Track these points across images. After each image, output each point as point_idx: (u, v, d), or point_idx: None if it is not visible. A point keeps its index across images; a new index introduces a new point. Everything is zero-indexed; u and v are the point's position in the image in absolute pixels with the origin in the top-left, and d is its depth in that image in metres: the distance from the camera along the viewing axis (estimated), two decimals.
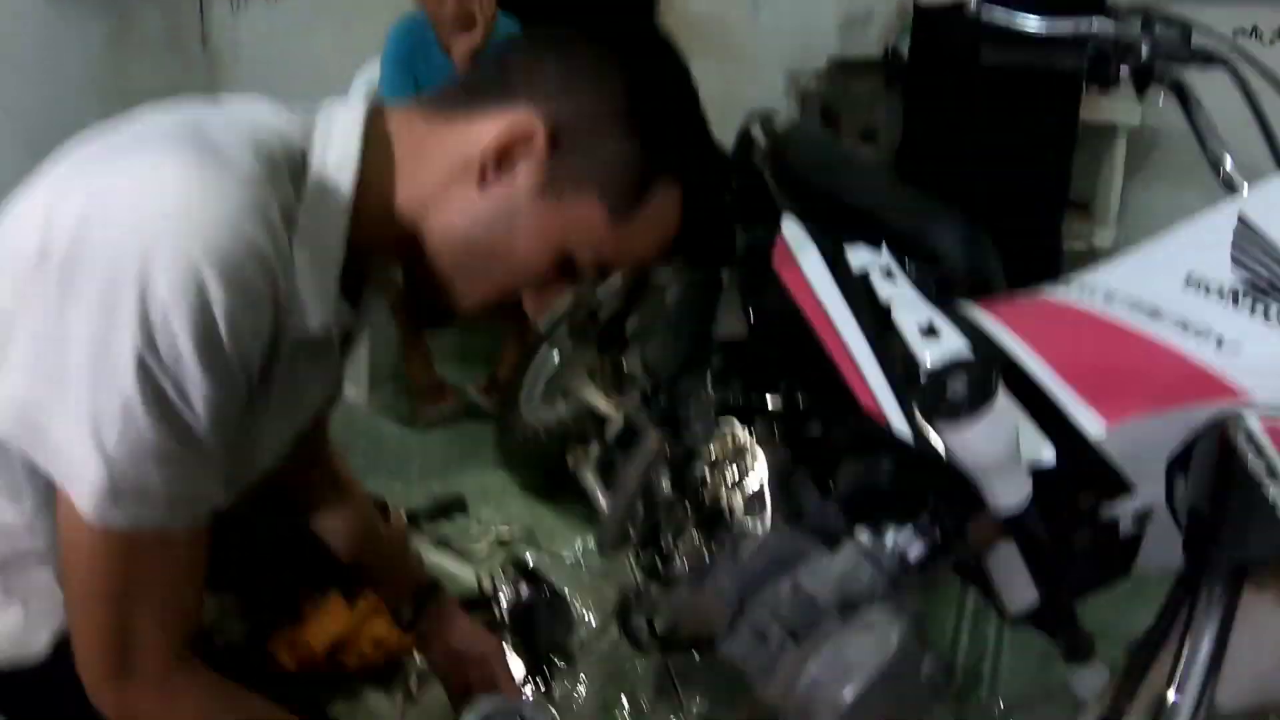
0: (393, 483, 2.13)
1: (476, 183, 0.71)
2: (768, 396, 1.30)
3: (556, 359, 2.24)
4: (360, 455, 2.30)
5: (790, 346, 1.24)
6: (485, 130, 0.69)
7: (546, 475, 2.04)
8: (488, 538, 1.88)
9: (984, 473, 0.83)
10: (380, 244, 0.75)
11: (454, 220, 0.72)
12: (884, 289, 1.15)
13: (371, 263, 0.80)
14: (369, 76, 2.74)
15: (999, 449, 0.80)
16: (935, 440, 0.91)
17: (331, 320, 0.70)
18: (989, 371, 0.75)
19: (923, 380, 0.89)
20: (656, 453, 1.31)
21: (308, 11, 5.36)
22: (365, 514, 1.15)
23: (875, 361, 1.07)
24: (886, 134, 3.06)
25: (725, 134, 2.17)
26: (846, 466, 1.14)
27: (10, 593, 0.93)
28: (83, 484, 0.60)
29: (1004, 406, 0.78)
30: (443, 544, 1.86)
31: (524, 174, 0.70)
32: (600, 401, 1.70)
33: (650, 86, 0.75)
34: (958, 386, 0.76)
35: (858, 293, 1.16)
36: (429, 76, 2.43)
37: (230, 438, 0.65)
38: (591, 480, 1.48)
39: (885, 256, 1.20)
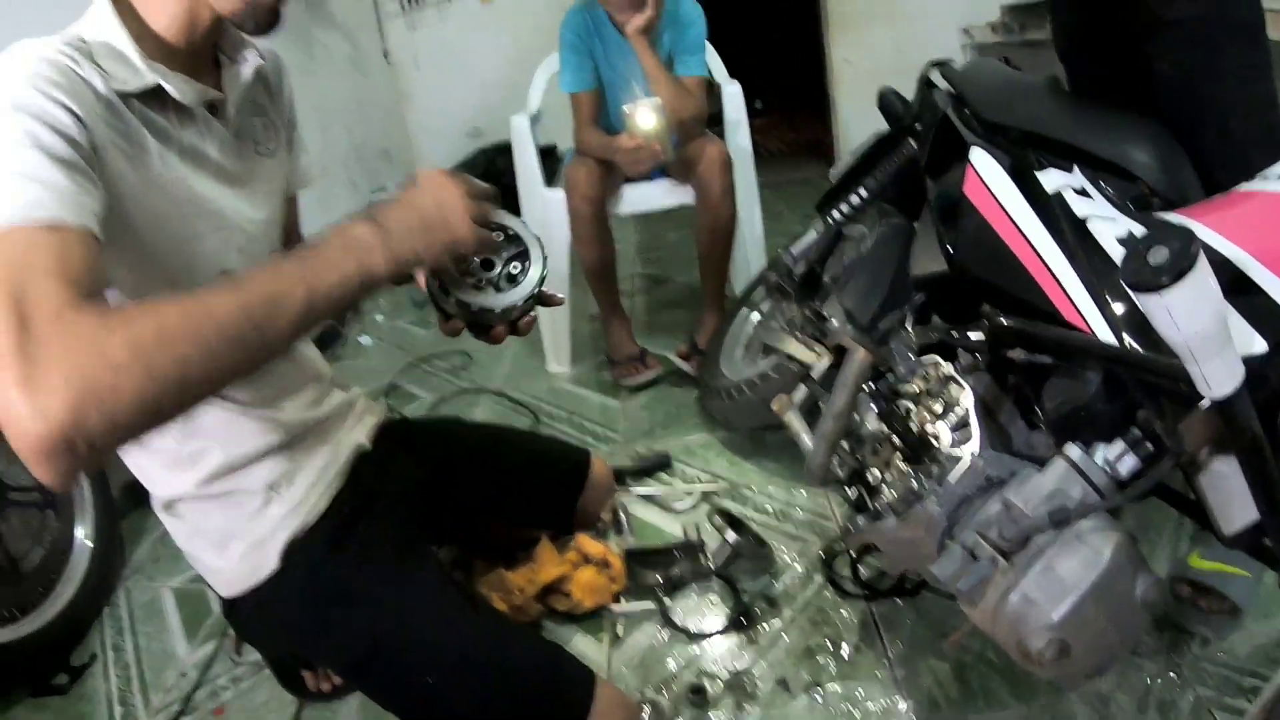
0: (599, 446, 2.29)
1: None
2: (968, 328, 1.34)
3: (755, 319, 2.33)
4: (565, 423, 2.48)
5: (990, 274, 1.27)
6: None
7: (750, 432, 2.13)
8: (692, 492, 1.97)
9: (1192, 354, 0.83)
10: (169, 23, 1.01)
11: None
12: (1080, 206, 1.18)
13: (194, 54, 1.05)
14: (550, 66, 2.92)
15: (1205, 321, 0.80)
16: (1142, 332, 0.93)
17: (151, 80, 0.97)
18: (1188, 238, 0.78)
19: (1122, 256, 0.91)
20: (864, 366, 1.36)
21: (477, 22, 5.76)
22: None
23: (1076, 275, 1.11)
24: None
25: (908, 95, 2.21)
26: (1052, 385, 1.17)
27: (234, 524, 1.15)
28: None
29: (1207, 277, 0.79)
30: (649, 500, 1.97)
31: None
32: (803, 351, 1.76)
33: None
34: (1158, 255, 0.78)
35: (1053, 212, 1.19)
36: (605, 58, 2.60)
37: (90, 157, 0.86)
38: (796, 422, 1.53)
39: (1078, 176, 1.23)
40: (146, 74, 0.98)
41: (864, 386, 1.40)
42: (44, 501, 2.05)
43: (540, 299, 1.05)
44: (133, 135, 0.97)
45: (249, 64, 1.14)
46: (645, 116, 2.26)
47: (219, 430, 1.12)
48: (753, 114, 2.85)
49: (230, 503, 1.16)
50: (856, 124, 5.64)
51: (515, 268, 1.03)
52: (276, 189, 1.24)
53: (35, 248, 0.74)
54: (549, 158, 2.95)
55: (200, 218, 1.06)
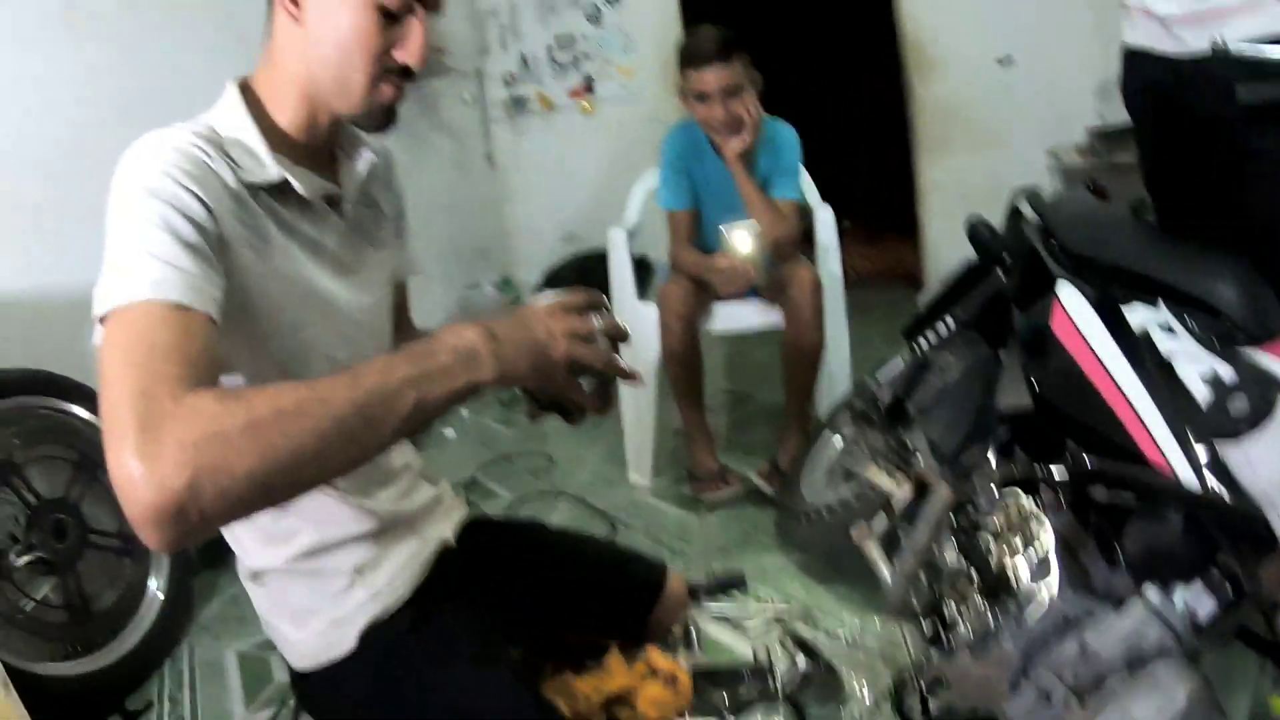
0: (674, 560, 2.30)
1: (293, 23, 1.04)
2: (1052, 464, 1.35)
3: (839, 444, 2.35)
4: (641, 534, 2.51)
5: (1074, 410, 1.29)
6: None
7: (827, 556, 2.13)
8: (765, 613, 1.97)
9: (1272, 500, 0.84)
10: (293, 120, 1.09)
11: (301, 52, 1.05)
12: (1165, 344, 1.20)
13: (315, 148, 1.13)
14: (648, 182, 3.06)
15: None
16: (1223, 476, 0.94)
17: (278, 174, 1.04)
18: (1270, 386, 0.80)
19: (1203, 403, 0.93)
20: (947, 505, 1.37)
21: (578, 131, 6.01)
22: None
23: (1159, 415, 1.13)
24: None
25: (997, 219, 2.25)
26: (1134, 525, 1.17)
27: (317, 602, 1.20)
28: (99, 291, 0.85)
29: None
30: (721, 618, 1.98)
31: None
32: (884, 480, 1.77)
33: None
34: (1238, 403, 0.80)
35: (1139, 350, 1.21)
36: (703, 179, 2.72)
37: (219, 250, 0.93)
38: (875, 552, 1.55)
39: (1163, 312, 1.25)
40: (273, 169, 1.05)
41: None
42: (123, 548, 2.16)
43: (622, 375, 1.08)
44: (258, 227, 1.04)
45: (364, 159, 1.22)
46: (741, 239, 2.36)
47: (314, 512, 1.18)
48: (840, 233, 2.92)
49: (316, 581, 1.21)
50: (945, 247, 5.67)
51: None
52: (385, 278, 1.31)
53: (161, 326, 0.81)
54: (641, 268, 3.05)
55: (313, 307, 1.12)
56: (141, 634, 2.08)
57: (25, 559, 1.97)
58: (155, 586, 2.17)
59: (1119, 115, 4.67)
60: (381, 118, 1.10)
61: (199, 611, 2.30)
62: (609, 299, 2.86)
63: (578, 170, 6.10)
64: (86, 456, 2.15)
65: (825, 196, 2.95)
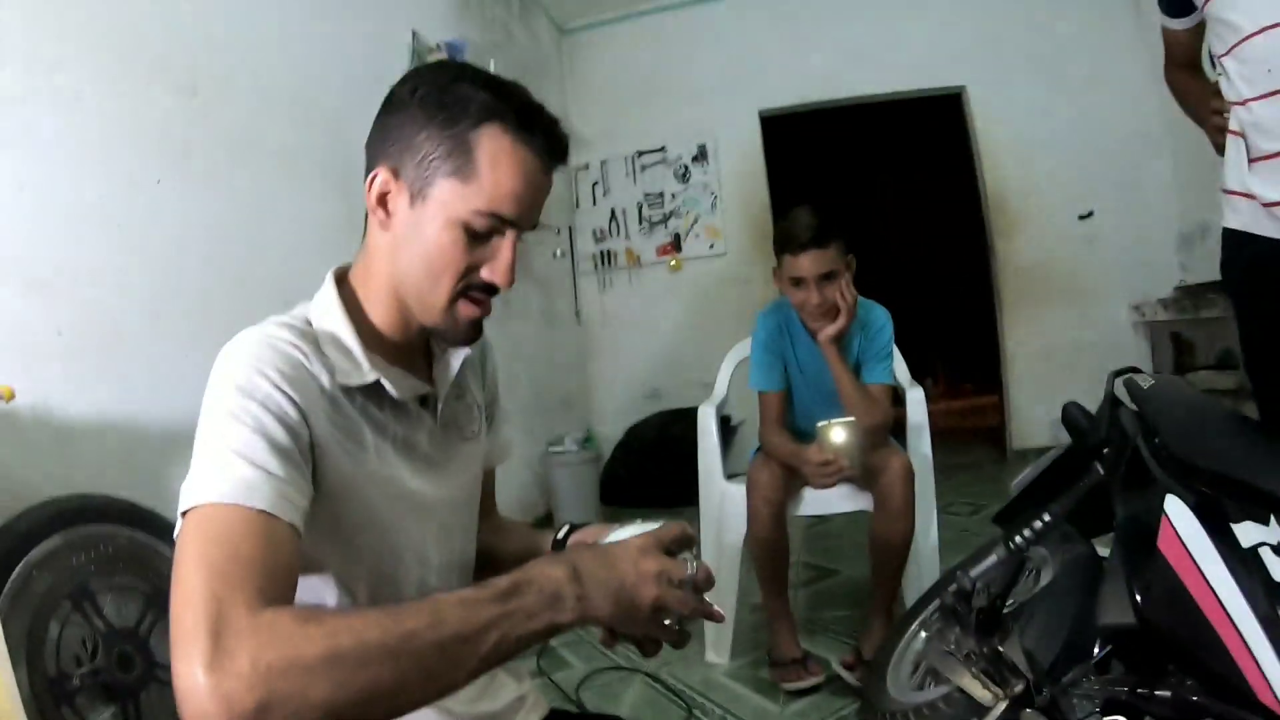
0: None
1: (383, 230, 1.08)
2: (1156, 691, 1.29)
3: (924, 638, 2.27)
4: (717, 719, 2.43)
5: (1180, 634, 1.24)
6: (369, 201, 1.08)
7: None
8: None
9: None
10: (386, 319, 1.13)
11: (390, 258, 1.09)
12: (1277, 568, 1.15)
13: (408, 347, 1.16)
14: (738, 355, 3.10)
15: None
16: None
17: (373, 377, 1.08)
18: None
19: None
20: None
21: (664, 287, 6.17)
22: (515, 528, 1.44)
23: (1272, 650, 1.07)
24: None
25: (1080, 379, 2.22)
26: None
27: None
28: (186, 486, 0.88)
29: None
30: None
31: (398, 202, 1.06)
32: (976, 688, 1.70)
33: (406, 91, 1.06)
34: None
35: (1249, 573, 1.17)
36: (795, 360, 2.76)
37: (309, 455, 0.97)
38: None
39: (1275, 530, 1.21)
40: (368, 371, 1.08)
41: None
42: None
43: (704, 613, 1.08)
44: (352, 429, 1.06)
45: (458, 355, 1.24)
46: (838, 434, 2.40)
47: None
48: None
49: None
50: (1028, 407, 5.62)
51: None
52: (476, 473, 1.32)
53: (244, 532, 0.83)
54: (722, 428, 3.05)
55: (406, 508, 1.14)
56: None
57: (88, 685, 1.99)
58: None
59: (1201, 269, 4.73)
60: (462, 334, 1.13)
61: None
62: (696, 465, 2.89)
63: (662, 327, 6.23)
64: (160, 590, 2.18)
65: (906, 354, 2.96)
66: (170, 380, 2.49)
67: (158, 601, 2.18)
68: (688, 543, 1.04)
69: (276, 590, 0.81)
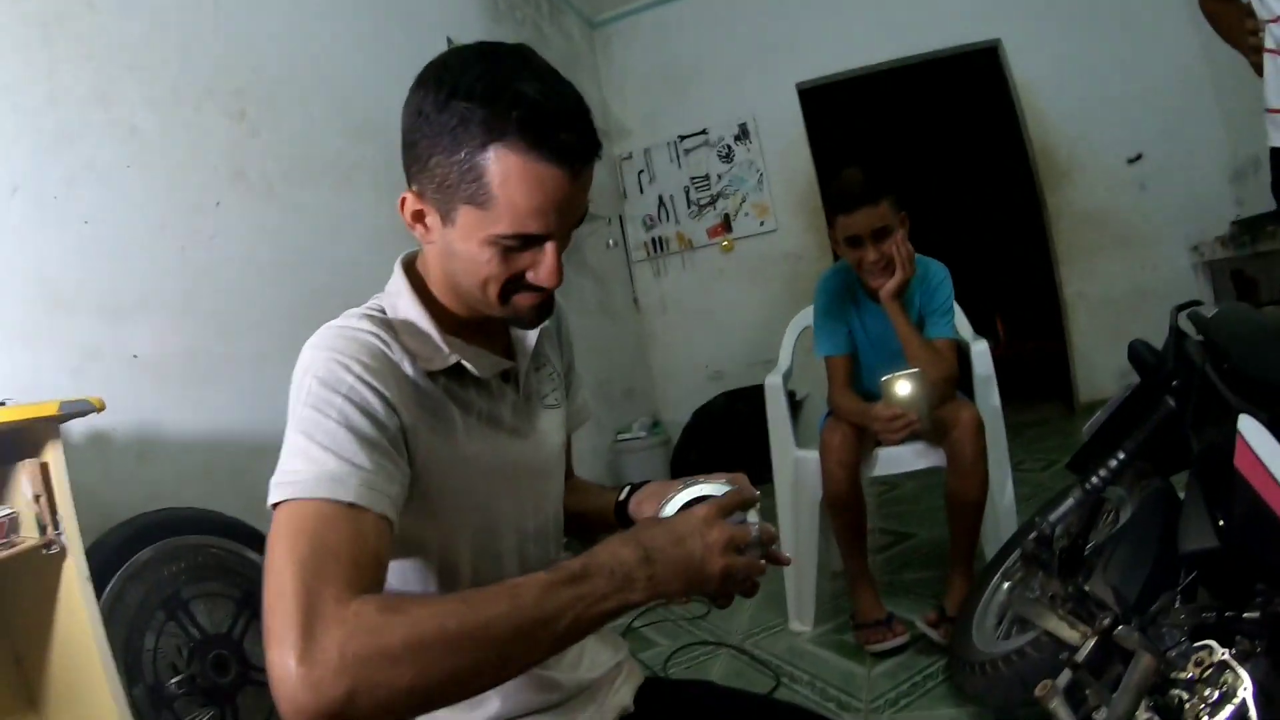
0: (841, 715, 2.25)
1: (425, 243, 1.11)
2: (1244, 610, 1.29)
3: (1007, 588, 2.27)
4: (807, 687, 2.46)
5: (1265, 551, 1.24)
6: (405, 219, 1.09)
7: (1003, 710, 2.04)
8: None
9: None
10: (456, 305, 1.14)
11: (438, 264, 1.12)
12: None
13: (484, 325, 1.18)
14: (799, 324, 3.11)
15: None
16: None
17: (452, 359, 1.09)
18: None
19: None
20: (1150, 674, 1.32)
21: (717, 268, 6.18)
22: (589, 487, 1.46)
23: None
24: None
25: (1144, 325, 2.19)
26: None
27: None
28: (275, 481, 0.92)
29: None
30: None
31: (431, 220, 1.06)
32: (1065, 630, 1.71)
33: (412, 109, 1.02)
34: None
35: None
36: (859, 323, 2.77)
37: (403, 445, 1.01)
38: (1062, 710, 1.48)
39: None
40: (448, 355, 1.10)
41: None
42: None
43: (771, 558, 1.08)
44: (439, 412, 1.09)
45: (535, 328, 1.25)
46: (903, 386, 2.38)
47: (497, 690, 1.21)
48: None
49: None
50: (1093, 357, 5.53)
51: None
52: (560, 439, 1.34)
53: (332, 525, 0.87)
54: (789, 403, 3.06)
55: (498, 481, 1.16)
56: None
57: (185, 690, 2.08)
58: None
59: (1257, 202, 4.62)
60: (529, 318, 1.13)
61: None
62: (767, 439, 2.90)
63: (719, 308, 6.24)
64: (250, 595, 2.27)
65: (967, 310, 2.94)
66: (245, 394, 2.59)
67: (248, 605, 2.27)
68: (751, 503, 1.05)
69: (365, 581, 0.84)
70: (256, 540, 2.27)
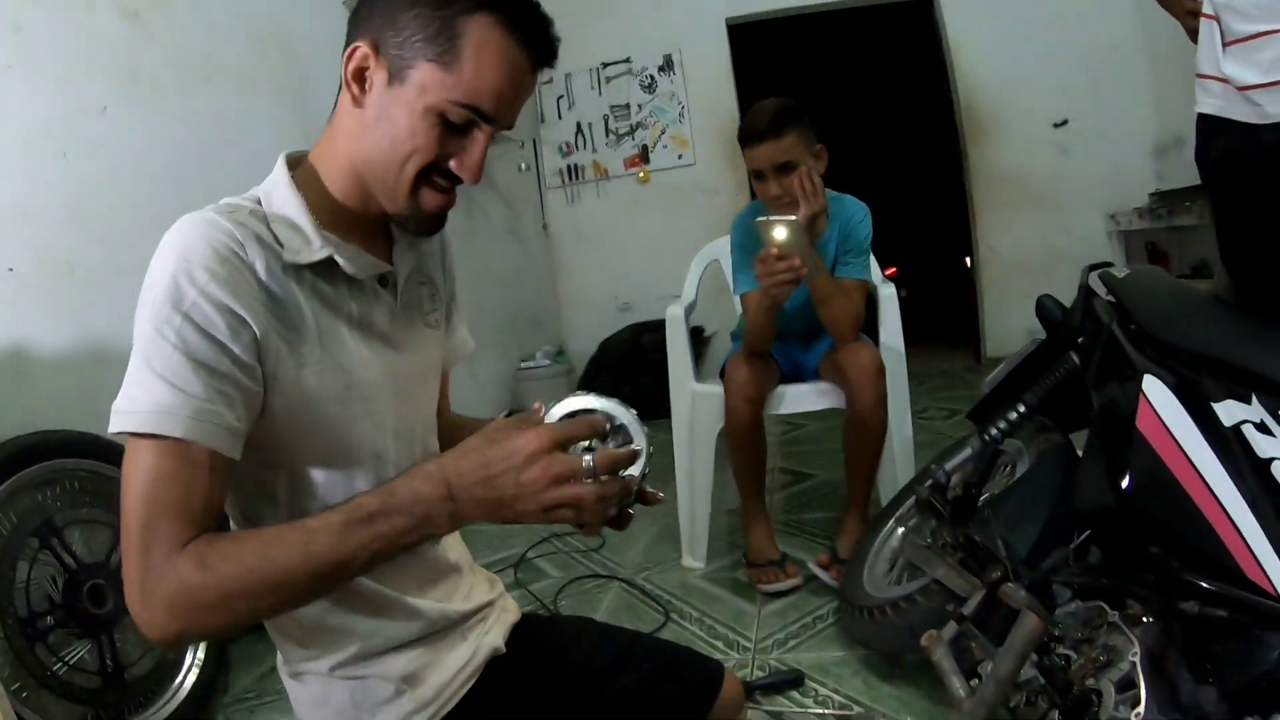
0: (728, 652, 2.22)
1: (355, 106, 1.02)
2: (1137, 572, 1.27)
3: (900, 534, 2.27)
4: (696, 624, 2.44)
5: (1162, 515, 1.21)
6: (345, 74, 1.01)
7: (890, 654, 2.04)
8: (824, 716, 1.88)
9: None
10: (347, 197, 1.07)
11: (357, 137, 1.03)
12: (1261, 444, 1.12)
13: (368, 226, 1.11)
14: (706, 257, 3.04)
15: None
16: None
17: (324, 253, 1.02)
18: None
19: None
20: (1036, 635, 1.30)
21: (633, 200, 6.07)
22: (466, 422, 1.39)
23: (1259, 527, 1.05)
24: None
25: (1056, 287, 2.18)
26: (1229, 645, 1.09)
27: (359, 709, 1.15)
28: (117, 404, 0.93)
29: None
30: (777, 718, 1.89)
31: (375, 79, 1.00)
32: (953, 578, 1.69)
33: None
34: None
35: (1232, 451, 1.14)
36: None
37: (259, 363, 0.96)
38: (946, 663, 1.46)
39: (1258, 408, 1.18)
40: (319, 249, 1.03)
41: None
42: None
43: (640, 497, 1.01)
44: (300, 314, 1.01)
45: (425, 237, 1.18)
46: (780, 231, 2.21)
47: (361, 611, 1.14)
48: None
49: (361, 687, 1.17)
50: (1002, 312, 5.63)
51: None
52: (437, 365, 1.28)
53: (167, 473, 0.90)
54: (695, 339, 3.00)
55: (358, 400, 1.08)
56: (175, 704, 2.06)
57: (61, 622, 1.98)
58: (191, 656, 2.15)
59: (1177, 177, 4.70)
60: (425, 224, 1.07)
61: (234, 682, 2.29)
62: (666, 371, 2.84)
63: (632, 239, 6.15)
64: None
65: (882, 262, 2.91)
66: (129, 310, 2.38)
67: None
68: (598, 434, 0.96)
69: (194, 527, 0.90)
70: None
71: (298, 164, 1.10)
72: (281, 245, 1.01)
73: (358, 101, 1.02)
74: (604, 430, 0.96)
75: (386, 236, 1.17)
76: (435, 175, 1.03)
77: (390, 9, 0.99)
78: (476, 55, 0.97)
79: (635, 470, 0.97)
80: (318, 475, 1.06)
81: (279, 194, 1.06)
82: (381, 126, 1.01)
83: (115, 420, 0.92)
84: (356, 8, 1.03)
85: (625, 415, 1.00)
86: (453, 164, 1.03)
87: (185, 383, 0.90)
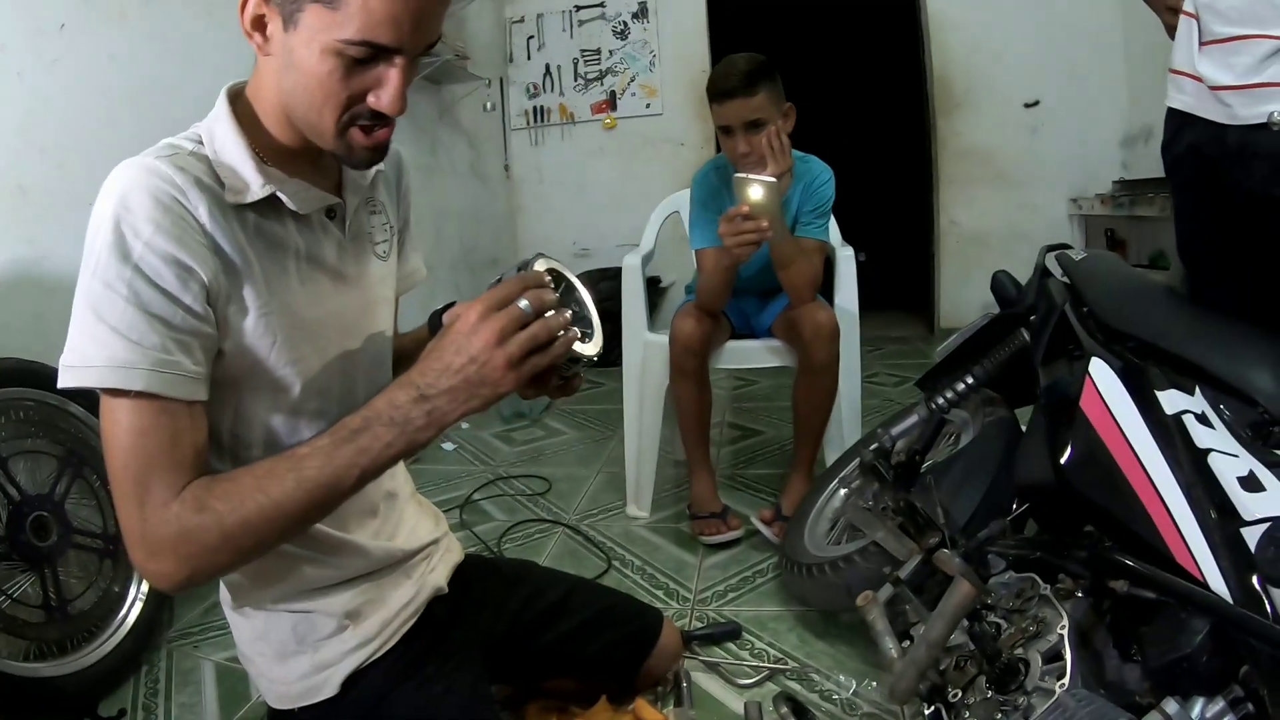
0: (668, 602, 2.25)
1: (262, 56, 1.00)
2: (1071, 547, 1.30)
3: (843, 494, 2.30)
4: (638, 572, 2.46)
5: (1098, 494, 1.24)
6: (243, 24, 0.98)
7: (827, 611, 2.08)
8: (759, 670, 1.92)
9: None
10: (284, 134, 1.05)
11: (274, 82, 1.01)
12: (1200, 435, 1.15)
13: (313, 159, 1.09)
14: (667, 208, 3.02)
15: None
16: (1259, 587, 0.91)
17: (266, 191, 1.01)
18: None
19: (1253, 542, 0.90)
20: (968, 602, 1.33)
21: (597, 145, 6.02)
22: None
23: (1191, 514, 1.08)
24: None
25: (1014, 263, 2.20)
26: (1155, 626, 1.12)
27: (302, 642, 1.16)
28: (71, 352, 0.93)
29: None
30: (713, 668, 1.93)
31: (273, 26, 0.96)
32: (891, 541, 1.72)
33: None
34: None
35: (1172, 439, 1.17)
36: None
37: (219, 308, 0.97)
38: (880, 624, 1.50)
39: (1200, 400, 1.21)
40: (259, 187, 1.01)
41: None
42: (105, 549, 2.12)
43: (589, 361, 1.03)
44: (238, 265, 0.99)
45: (368, 169, 1.16)
46: (756, 190, 2.20)
47: (302, 556, 1.14)
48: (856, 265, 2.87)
49: (303, 621, 1.17)
50: (958, 286, 5.68)
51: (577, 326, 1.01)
52: (389, 294, 1.27)
53: (146, 433, 0.91)
54: (651, 289, 2.99)
55: (305, 339, 1.08)
56: (119, 638, 2.04)
57: (3, 554, 1.94)
58: (135, 589, 2.14)
59: (1142, 167, 4.75)
60: (361, 159, 1.03)
61: (179, 616, 2.28)
62: (620, 319, 2.84)
63: (594, 185, 6.11)
64: (74, 453, 2.10)
65: (842, 225, 2.91)
66: (81, 236, 2.32)
67: (72, 465, 2.10)
68: (531, 286, 0.95)
69: (184, 474, 0.93)
70: (82, 395, 2.07)
71: (238, 96, 1.07)
72: (224, 187, 0.99)
73: (262, 49, 0.99)
74: (542, 282, 0.97)
75: (336, 166, 1.14)
76: (358, 114, 0.99)
77: None
78: None
79: (595, 343, 1.03)
80: (261, 416, 1.07)
81: (220, 131, 1.03)
82: (290, 74, 0.97)
83: (68, 375, 0.92)
84: None
85: (565, 270, 1.07)
86: (370, 100, 0.98)
87: (140, 336, 0.90)
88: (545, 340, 0.93)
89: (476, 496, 3.16)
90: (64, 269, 2.29)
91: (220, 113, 1.04)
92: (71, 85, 2.48)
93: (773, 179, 2.23)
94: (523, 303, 0.92)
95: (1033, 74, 5.48)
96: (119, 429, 0.92)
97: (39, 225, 2.34)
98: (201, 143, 1.02)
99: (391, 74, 0.96)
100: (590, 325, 1.05)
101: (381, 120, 1.00)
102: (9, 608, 1.92)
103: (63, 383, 0.92)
